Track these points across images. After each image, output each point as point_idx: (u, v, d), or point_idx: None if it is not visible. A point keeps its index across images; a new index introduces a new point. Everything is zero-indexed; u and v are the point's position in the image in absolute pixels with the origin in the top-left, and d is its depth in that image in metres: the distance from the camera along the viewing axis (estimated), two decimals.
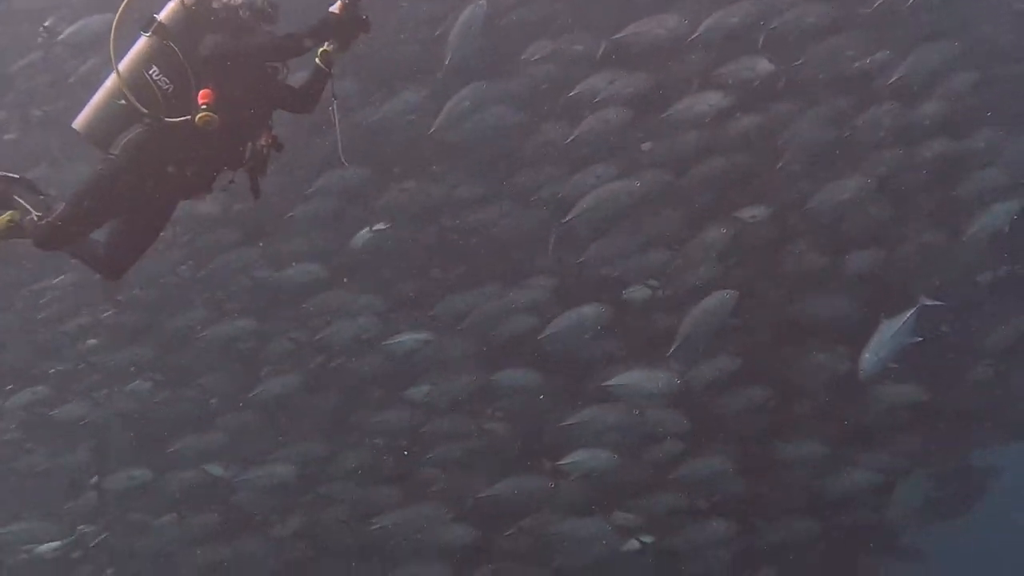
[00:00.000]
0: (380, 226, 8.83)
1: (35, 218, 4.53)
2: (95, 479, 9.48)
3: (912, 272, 8.42)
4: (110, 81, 4.43)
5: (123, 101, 4.32)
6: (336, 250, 9.08)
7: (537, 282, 8.76)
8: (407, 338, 8.85)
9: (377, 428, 9.24)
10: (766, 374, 8.44)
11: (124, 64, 4.34)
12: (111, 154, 4.42)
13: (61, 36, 9.07)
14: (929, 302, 7.86)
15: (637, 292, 8.50)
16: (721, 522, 8.71)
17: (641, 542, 8.63)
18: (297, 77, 4.66)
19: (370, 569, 9.33)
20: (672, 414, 8.51)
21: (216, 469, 9.35)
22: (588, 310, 8.48)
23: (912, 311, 7.83)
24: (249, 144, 4.54)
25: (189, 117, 4.27)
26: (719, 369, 8.25)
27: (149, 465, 9.43)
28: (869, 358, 7.92)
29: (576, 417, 8.51)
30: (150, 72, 4.33)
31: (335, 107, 4.62)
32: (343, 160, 4.95)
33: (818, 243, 8.38)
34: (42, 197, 4.69)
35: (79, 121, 4.54)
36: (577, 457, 8.50)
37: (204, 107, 4.25)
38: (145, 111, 4.30)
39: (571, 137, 8.35)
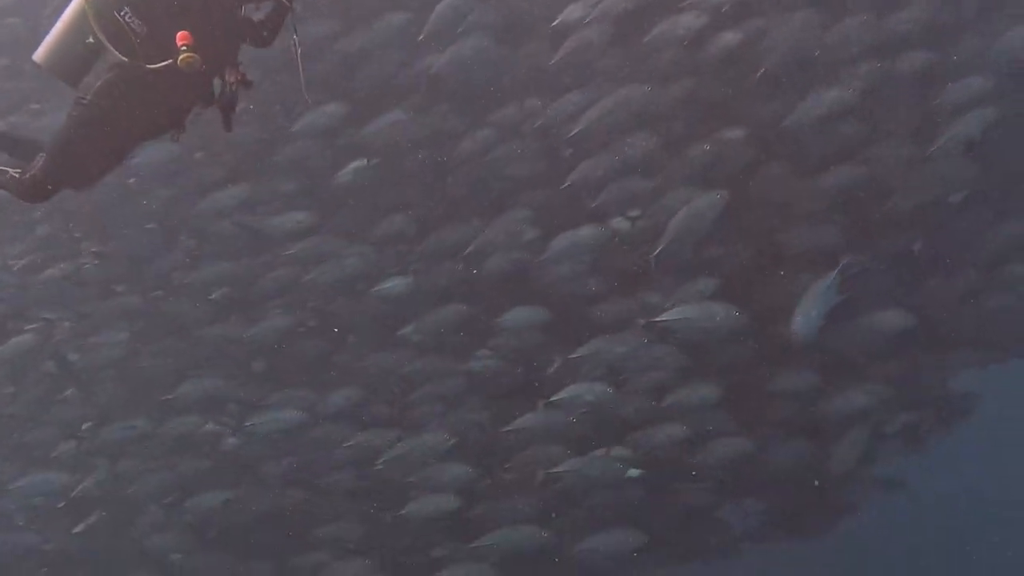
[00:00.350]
0: (375, 161, 9.07)
1: (15, 174, 4.70)
2: (85, 427, 9.94)
3: (891, 189, 8.58)
4: (73, 14, 4.51)
5: (91, 40, 4.43)
6: (319, 189, 9.36)
7: (520, 213, 9.01)
8: (397, 282, 9.20)
9: (369, 369, 9.60)
10: (747, 300, 8.66)
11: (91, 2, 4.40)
12: (82, 98, 4.55)
13: None
14: (851, 260, 8.29)
15: (620, 224, 8.72)
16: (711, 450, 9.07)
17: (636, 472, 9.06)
18: (257, 12, 4.87)
19: (364, 511, 9.81)
20: (670, 348, 8.74)
21: (213, 423, 9.79)
22: (586, 231, 8.71)
23: (835, 271, 8.28)
24: (218, 80, 4.73)
25: (171, 61, 4.39)
26: (699, 291, 8.50)
27: (137, 414, 9.79)
28: (800, 320, 8.34)
29: (582, 351, 8.79)
30: (122, 13, 4.40)
31: (296, 41, 4.79)
32: (306, 97, 5.25)
33: (797, 163, 8.55)
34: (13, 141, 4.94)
35: (41, 54, 4.60)
36: (570, 392, 8.83)
37: (185, 48, 4.36)
38: (124, 59, 4.41)
39: (555, 59, 8.60)
